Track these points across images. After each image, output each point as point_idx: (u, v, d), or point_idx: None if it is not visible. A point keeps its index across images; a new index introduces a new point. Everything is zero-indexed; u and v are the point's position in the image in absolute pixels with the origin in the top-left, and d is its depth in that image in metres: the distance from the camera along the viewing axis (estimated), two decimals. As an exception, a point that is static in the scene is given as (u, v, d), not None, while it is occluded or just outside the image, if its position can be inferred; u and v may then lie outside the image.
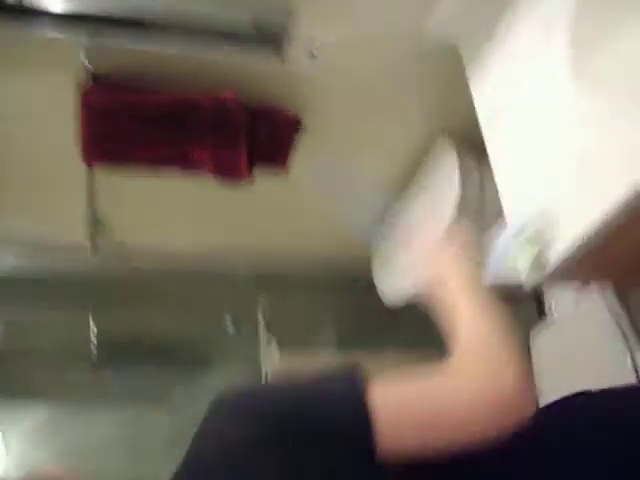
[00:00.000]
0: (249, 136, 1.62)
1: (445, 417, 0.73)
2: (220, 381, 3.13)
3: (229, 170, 1.68)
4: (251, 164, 1.68)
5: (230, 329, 2.77)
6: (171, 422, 3.15)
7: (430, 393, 0.75)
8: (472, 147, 1.88)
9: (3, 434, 2.97)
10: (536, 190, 1.27)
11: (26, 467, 2.85)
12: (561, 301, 2.23)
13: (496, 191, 1.72)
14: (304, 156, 1.86)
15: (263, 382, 2.34)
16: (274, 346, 2.25)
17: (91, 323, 2.56)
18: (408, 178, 2.10)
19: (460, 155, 1.86)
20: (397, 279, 2.16)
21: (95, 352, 2.75)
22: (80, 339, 2.73)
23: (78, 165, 1.73)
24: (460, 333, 0.85)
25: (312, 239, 2.36)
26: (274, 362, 2.21)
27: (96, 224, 2.07)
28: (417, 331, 2.75)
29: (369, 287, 2.49)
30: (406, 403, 0.74)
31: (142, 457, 3.12)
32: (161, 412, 3.15)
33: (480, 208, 1.85)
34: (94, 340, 2.67)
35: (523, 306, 2.52)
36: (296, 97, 1.73)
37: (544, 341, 2.16)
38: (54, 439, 2.98)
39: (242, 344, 2.88)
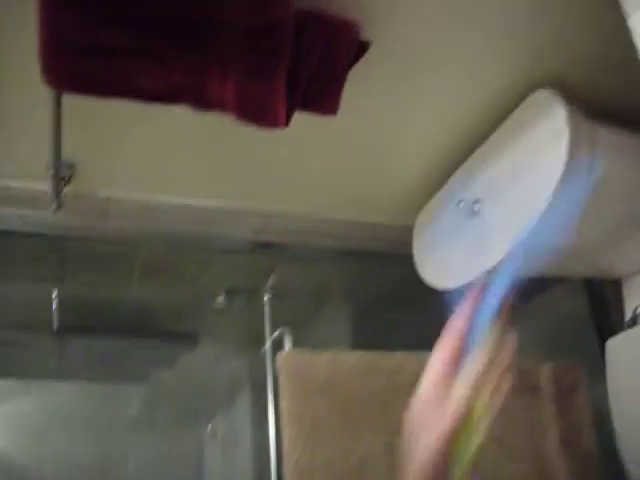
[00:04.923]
0: (294, 59, 1.09)
1: None
2: (205, 360, 2.69)
3: (258, 111, 1.15)
4: (292, 104, 1.15)
5: (221, 303, 2.28)
6: (144, 401, 2.73)
7: None
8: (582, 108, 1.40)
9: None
10: None
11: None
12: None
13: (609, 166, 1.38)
14: (352, 90, 1.29)
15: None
16: (287, 339, 1.76)
17: (53, 289, 2.06)
18: (483, 134, 1.59)
19: (570, 114, 1.36)
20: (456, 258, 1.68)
21: (56, 320, 2.27)
22: (40, 305, 2.25)
23: (41, 90, 1.19)
24: None
25: (337, 200, 1.85)
26: (284, 359, 1.72)
27: (63, 170, 1.55)
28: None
29: (393, 262, 2.03)
30: None
31: (107, 438, 2.73)
32: (133, 390, 2.72)
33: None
34: (55, 307, 2.18)
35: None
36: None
37: (627, 352, 1.73)
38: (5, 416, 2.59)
39: (237, 321, 2.41)
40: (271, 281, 1.96)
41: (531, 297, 2.34)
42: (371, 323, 2.26)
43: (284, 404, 1.69)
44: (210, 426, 2.94)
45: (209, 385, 2.72)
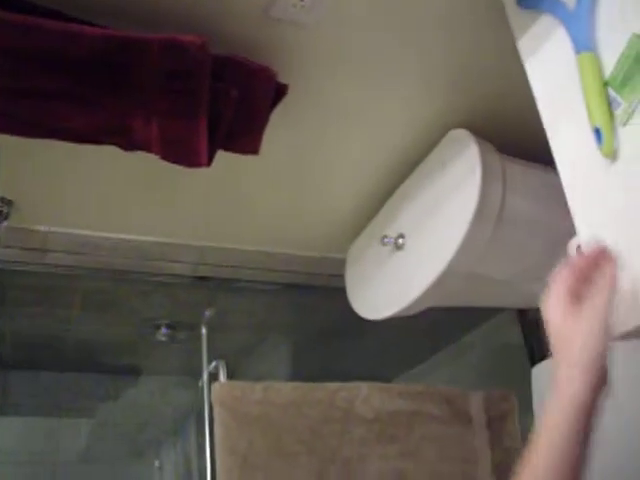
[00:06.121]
0: (214, 101, 1.15)
1: None
2: (149, 393, 2.69)
3: (182, 150, 1.21)
4: (213, 144, 1.21)
5: (162, 336, 2.31)
6: (89, 436, 2.71)
7: None
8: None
9: None
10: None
11: None
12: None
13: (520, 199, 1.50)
14: (276, 130, 1.38)
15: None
16: (221, 371, 1.80)
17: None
18: (406, 171, 1.67)
19: (482, 150, 1.44)
20: (384, 290, 1.74)
21: (-2, 355, 2.27)
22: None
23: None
24: None
25: (272, 234, 1.91)
26: (218, 391, 1.75)
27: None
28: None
29: (329, 295, 2.08)
30: None
31: (52, 474, 2.70)
32: (78, 424, 2.71)
33: (500, 217, 1.46)
34: (-4, 342, 2.18)
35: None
36: (276, 57, 1.27)
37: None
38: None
39: (179, 354, 2.43)
40: (208, 314, 1.99)
41: (467, 331, 2.41)
42: (309, 355, 2.30)
43: (219, 435, 1.72)
44: (157, 461, 2.93)
45: (154, 418, 2.72)
